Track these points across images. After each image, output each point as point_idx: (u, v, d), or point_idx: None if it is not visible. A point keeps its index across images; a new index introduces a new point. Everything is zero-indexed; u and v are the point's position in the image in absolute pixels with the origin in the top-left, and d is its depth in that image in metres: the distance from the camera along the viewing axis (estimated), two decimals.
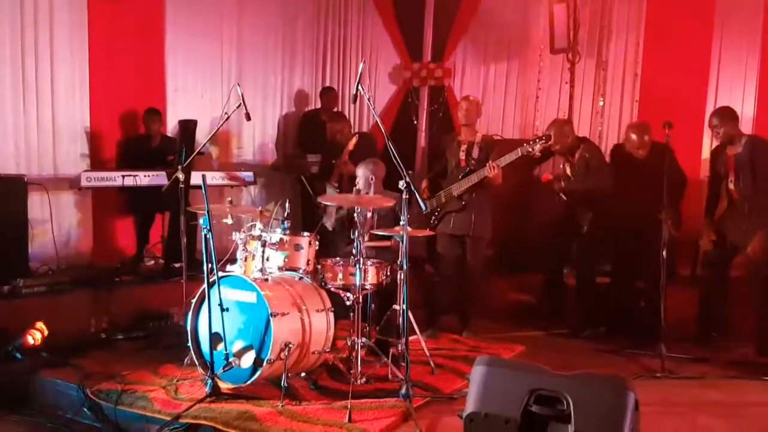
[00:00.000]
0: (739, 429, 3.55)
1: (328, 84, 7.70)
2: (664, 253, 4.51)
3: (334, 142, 6.18)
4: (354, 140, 5.88)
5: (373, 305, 4.40)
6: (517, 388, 2.88)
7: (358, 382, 3.90)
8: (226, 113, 4.63)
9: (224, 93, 7.00)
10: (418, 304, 5.27)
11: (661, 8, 6.80)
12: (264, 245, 4.06)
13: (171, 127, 6.62)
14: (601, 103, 7.16)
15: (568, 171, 5.38)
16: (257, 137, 7.51)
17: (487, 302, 5.72)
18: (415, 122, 7.74)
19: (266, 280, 3.96)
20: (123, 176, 5.81)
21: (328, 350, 4.06)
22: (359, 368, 3.95)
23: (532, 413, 2.83)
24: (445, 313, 5.31)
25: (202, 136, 5.89)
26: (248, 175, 6.78)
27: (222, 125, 4.73)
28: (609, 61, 7.20)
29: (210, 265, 3.82)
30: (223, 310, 3.76)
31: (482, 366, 3.00)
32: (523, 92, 7.62)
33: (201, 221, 3.86)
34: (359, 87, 3.87)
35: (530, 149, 4.82)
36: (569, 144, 5.31)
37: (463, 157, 5.11)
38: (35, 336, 4.44)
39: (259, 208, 4.33)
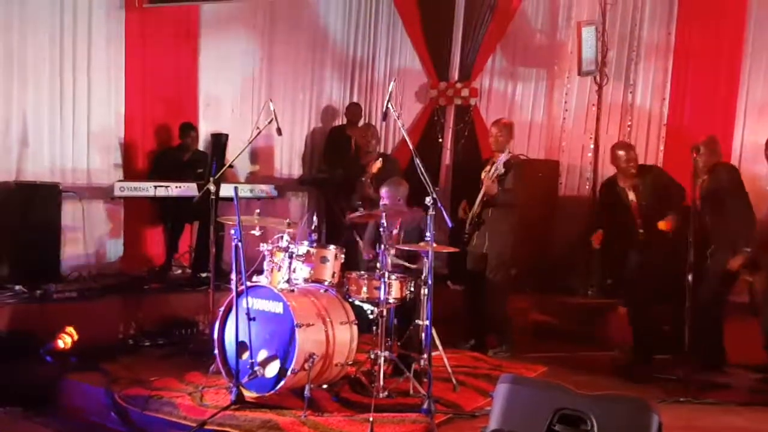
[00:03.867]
0: None
1: (356, 100, 7.81)
2: (690, 277, 4.50)
3: (357, 149, 6.18)
4: (378, 163, 5.88)
5: (395, 320, 4.43)
6: (540, 406, 2.88)
7: (380, 395, 3.93)
8: (257, 128, 4.74)
9: (254, 108, 7.13)
10: (440, 319, 5.29)
11: (691, 33, 6.80)
12: (291, 257, 4.12)
13: (202, 140, 6.76)
14: (629, 125, 7.15)
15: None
16: (285, 152, 7.62)
17: (510, 321, 5.70)
18: (441, 141, 7.79)
19: (292, 291, 4.03)
20: (155, 187, 5.93)
21: (350, 363, 4.10)
22: (381, 382, 3.98)
23: None
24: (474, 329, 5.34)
25: (232, 149, 6.01)
26: (273, 188, 6.86)
27: (254, 139, 4.83)
28: (636, 84, 7.20)
29: (239, 275, 3.89)
30: (250, 319, 3.83)
31: (506, 384, 3.01)
32: (550, 113, 7.63)
33: (232, 231, 3.95)
34: (389, 105, 3.94)
35: (499, 170, 5.03)
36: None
37: (494, 179, 5.15)
38: (65, 340, 4.55)
39: (287, 220, 4.40)
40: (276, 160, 7.56)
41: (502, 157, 5.14)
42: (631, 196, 5.18)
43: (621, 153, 5.17)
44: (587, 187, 7.24)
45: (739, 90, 6.49)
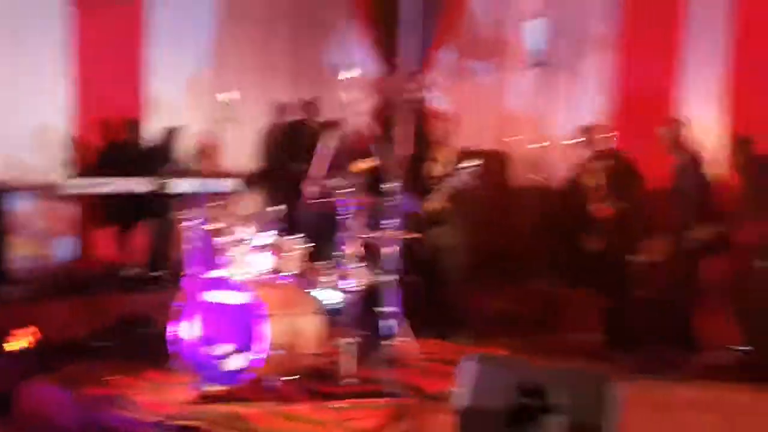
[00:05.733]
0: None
1: (307, 96, 7.79)
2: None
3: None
4: (370, 161, 5.83)
5: (359, 309, 4.46)
6: (505, 382, 2.96)
7: (348, 382, 3.94)
8: (213, 120, 4.70)
9: (206, 102, 7.04)
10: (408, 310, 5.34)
11: (634, 20, 7.03)
12: (253, 248, 4.10)
13: (154, 134, 6.64)
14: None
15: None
16: (240, 147, 7.54)
17: (470, 309, 5.80)
18: (394, 135, 7.83)
19: (256, 282, 4.01)
20: (107, 183, 5.78)
21: (317, 353, 4.11)
22: (348, 370, 4.00)
23: (521, 405, 2.92)
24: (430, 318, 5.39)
25: (184, 144, 5.93)
26: (231, 183, 6.78)
27: (209, 130, 4.79)
28: (583, 74, 7.41)
29: (198, 268, 3.85)
30: (213, 312, 3.79)
31: (471, 362, 3.08)
32: (499, 105, 7.78)
33: (191, 224, 3.91)
34: (344, 93, 3.96)
35: (457, 184, 5.08)
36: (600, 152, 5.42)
37: (433, 174, 5.31)
38: (21, 341, 4.41)
39: (247, 213, 4.38)
40: (230, 155, 7.48)
41: (466, 166, 5.23)
42: (589, 179, 5.33)
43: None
44: (537, 176, 7.41)
45: (678, 67, 6.75)
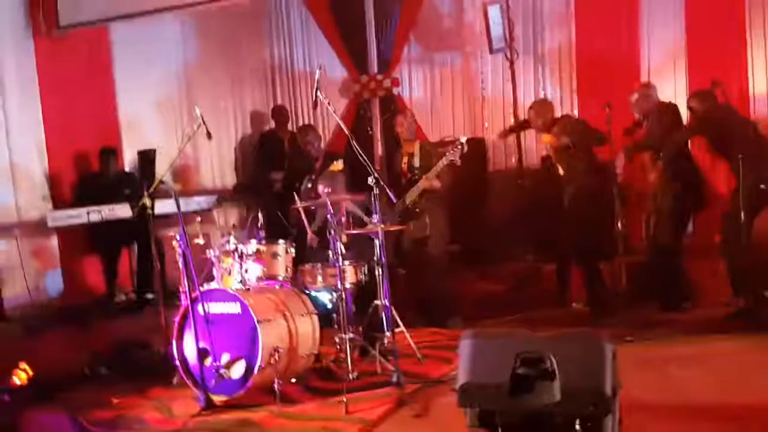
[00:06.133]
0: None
1: (279, 102, 7.85)
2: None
3: (304, 156, 6.15)
4: (339, 164, 5.78)
5: (354, 305, 4.52)
6: (503, 354, 3.02)
7: (350, 377, 4.00)
8: (187, 136, 4.73)
9: (177, 122, 7.08)
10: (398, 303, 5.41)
11: None
12: (241, 257, 4.15)
13: (130, 160, 6.64)
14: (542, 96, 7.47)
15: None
16: (215, 163, 7.58)
17: (459, 294, 5.89)
18: (371, 132, 7.91)
19: (247, 290, 4.05)
20: (88, 212, 5.79)
21: (315, 353, 4.16)
22: (349, 364, 4.05)
23: (520, 375, 2.98)
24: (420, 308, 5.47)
25: (161, 165, 5.95)
26: (210, 200, 6.81)
27: (184, 146, 4.83)
28: (545, 55, 7.54)
29: (190, 282, 3.89)
30: (208, 323, 3.83)
31: (469, 339, 3.14)
32: (469, 94, 7.88)
33: (174, 242, 3.94)
34: (318, 93, 4.03)
35: (452, 158, 5.06)
36: (550, 121, 5.56)
37: (405, 169, 5.40)
38: (20, 376, 4.41)
39: (231, 223, 4.42)
40: (207, 172, 7.51)
41: (416, 149, 5.31)
42: (548, 139, 5.48)
43: (532, 112, 5.60)
44: (513, 160, 7.52)
45: (641, 40, 6.90)
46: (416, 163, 5.38)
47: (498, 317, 5.55)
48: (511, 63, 7.39)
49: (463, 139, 5.09)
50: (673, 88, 6.71)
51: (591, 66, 7.20)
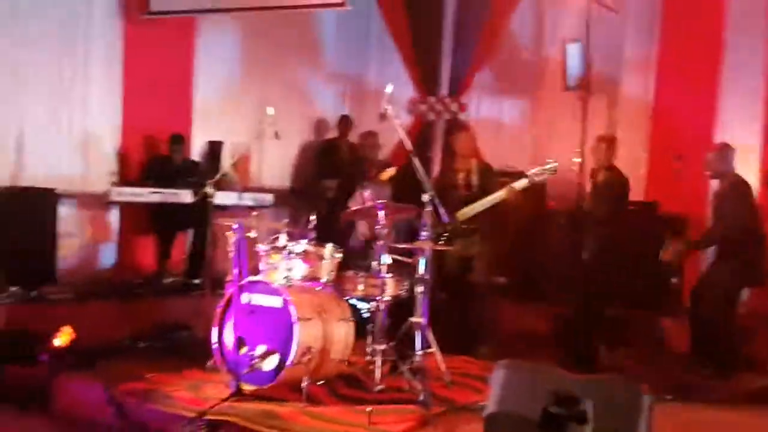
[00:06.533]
0: None
1: (346, 113, 7.98)
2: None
3: (357, 160, 6.19)
4: (391, 171, 5.83)
5: (389, 319, 4.50)
6: (536, 389, 2.97)
7: (376, 389, 3.99)
8: (256, 132, 4.86)
9: (248, 119, 7.26)
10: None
11: (672, 47, 7.04)
12: (288, 255, 4.21)
13: (197, 148, 6.85)
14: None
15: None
16: (277, 163, 7.74)
17: (499, 327, 5.79)
18: (429, 155, 7.94)
19: (290, 287, 4.10)
20: (151, 192, 6.00)
21: (346, 360, 4.17)
22: (378, 376, 4.04)
23: (551, 414, 2.92)
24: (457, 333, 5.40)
25: (227, 158, 6.12)
26: (268, 197, 6.96)
27: (251, 144, 4.94)
28: (620, 100, 7.43)
29: (237, 271, 3.97)
30: (249, 313, 3.90)
31: (503, 369, 3.10)
32: (537, 128, 7.83)
33: (228, 233, 4.04)
34: (387, 107, 4.07)
35: (538, 178, 4.97)
36: (601, 163, 5.45)
37: (462, 185, 5.31)
38: (62, 338, 4.56)
39: (284, 221, 4.50)
40: (267, 171, 7.68)
41: (473, 166, 5.25)
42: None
43: (603, 144, 5.47)
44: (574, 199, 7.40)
45: (719, 98, 6.73)
46: (474, 180, 5.29)
47: (534, 358, 5.43)
48: (584, 102, 7.31)
49: (555, 164, 4.98)
50: (746, 157, 6.49)
51: (666, 115, 7.06)
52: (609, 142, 5.62)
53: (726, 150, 5.22)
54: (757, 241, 5.02)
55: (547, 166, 5.01)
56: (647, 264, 5.65)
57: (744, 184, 5.13)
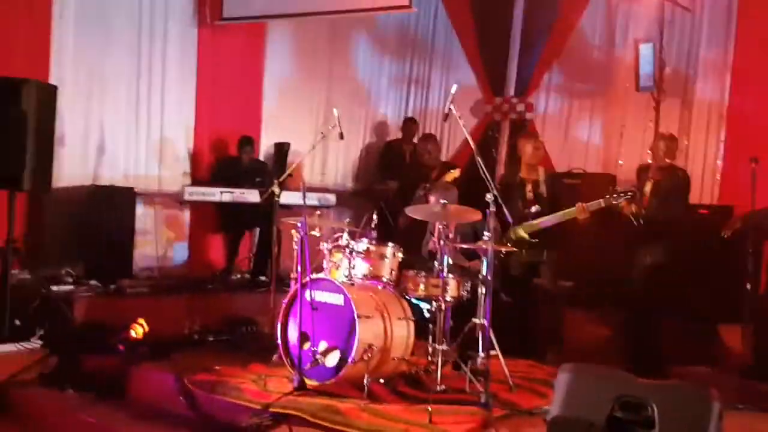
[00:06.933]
0: None
1: (411, 115, 8.02)
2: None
3: (416, 162, 6.26)
4: (455, 173, 5.88)
5: (451, 321, 4.50)
6: (602, 393, 2.91)
7: (438, 389, 3.99)
8: (321, 133, 4.96)
9: (313, 122, 7.42)
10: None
11: (748, 51, 6.77)
12: (351, 253, 4.27)
13: (265, 149, 7.04)
14: (686, 143, 7.12)
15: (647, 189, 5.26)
16: (341, 164, 7.87)
17: (565, 333, 5.70)
18: (495, 156, 7.89)
19: (352, 284, 4.17)
20: (221, 192, 6.20)
21: (407, 358, 4.19)
22: (439, 375, 4.04)
23: (617, 419, 2.86)
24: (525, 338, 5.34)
25: (293, 159, 6.26)
26: (332, 197, 7.06)
27: (317, 144, 5.05)
28: (694, 101, 7.18)
29: (303, 268, 4.05)
30: (313, 309, 3.98)
31: (568, 372, 3.06)
32: (607, 129, 7.65)
33: (293, 231, 4.13)
34: (451, 106, 4.08)
35: (614, 201, 4.81)
36: (663, 162, 5.26)
37: (531, 197, 5.20)
38: (137, 330, 4.78)
39: (347, 221, 4.57)
40: (332, 172, 7.82)
41: (541, 176, 5.18)
42: (648, 187, 5.15)
43: (661, 143, 5.23)
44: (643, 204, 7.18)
45: None
46: (542, 191, 5.19)
47: (600, 363, 5.29)
48: (657, 104, 7.11)
49: (634, 191, 4.85)
50: None
51: (741, 119, 6.78)
52: (668, 140, 5.38)
53: None
54: None
55: (625, 194, 4.83)
56: (721, 270, 5.44)
57: None
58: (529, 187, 5.26)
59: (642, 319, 5.22)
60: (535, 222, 5.07)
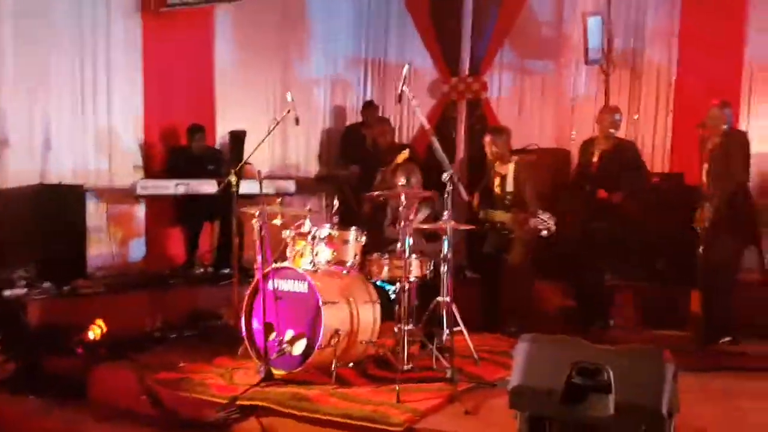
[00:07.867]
0: None
1: (369, 98, 7.97)
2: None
3: (375, 147, 6.29)
4: (405, 153, 5.90)
5: (416, 301, 4.52)
6: (559, 361, 2.97)
7: (405, 368, 4.01)
8: (275, 119, 4.88)
9: (270, 109, 7.32)
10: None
11: (694, 17, 6.89)
12: (314, 239, 4.24)
13: (221, 138, 6.92)
14: (636, 117, 7.25)
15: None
16: (300, 150, 7.79)
17: (531, 306, 5.76)
18: (454, 136, 7.90)
19: (316, 271, 4.14)
20: (176, 185, 6.08)
21: (374, 341, 4.20)
22: (406, 354, 4.06)
23: (574, 384, 2.92)
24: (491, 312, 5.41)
25: (249, 146, 6.14)
26: (291, 185, 6.99)
27: (272, 130, 4.97)
28: (643, 71, 7.30)
29: (264, 257, 4.01)
30: (276, 298, 3.94)
31: (526, 342, 3.11)
32: (559, 103, 7.73)
33: (257, 221, 4.08)
34: (404, 87, 4.06)
35: (543, 233, 5.03)
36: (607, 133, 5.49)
37: (498, 191, 5.36)
38: (95, 331, 4.68)
39: (308, 207, 4.53)
40: (291, 159, 7.74)
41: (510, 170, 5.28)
42: (596, 158, 5.39)
43: (606, 116, 5.44)
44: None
45: (743, 66, 6.57)
46: (509, 187, 5.32)
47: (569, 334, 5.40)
48: (607, 76, 7.20)
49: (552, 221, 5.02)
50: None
51: (690, 87, 6.91)
52: (611, 112, 5.64)
53: (726, 106, 5.09)
54: (749, 197, 4.95)
55: (549, 226, 5.04)
56: (676, 236, 5.58)
57: (744, 135, 5.07)
58: (497, 182, 5.38)
59: (590, 282, 5.49)
60: (497, 213, 5.27)
